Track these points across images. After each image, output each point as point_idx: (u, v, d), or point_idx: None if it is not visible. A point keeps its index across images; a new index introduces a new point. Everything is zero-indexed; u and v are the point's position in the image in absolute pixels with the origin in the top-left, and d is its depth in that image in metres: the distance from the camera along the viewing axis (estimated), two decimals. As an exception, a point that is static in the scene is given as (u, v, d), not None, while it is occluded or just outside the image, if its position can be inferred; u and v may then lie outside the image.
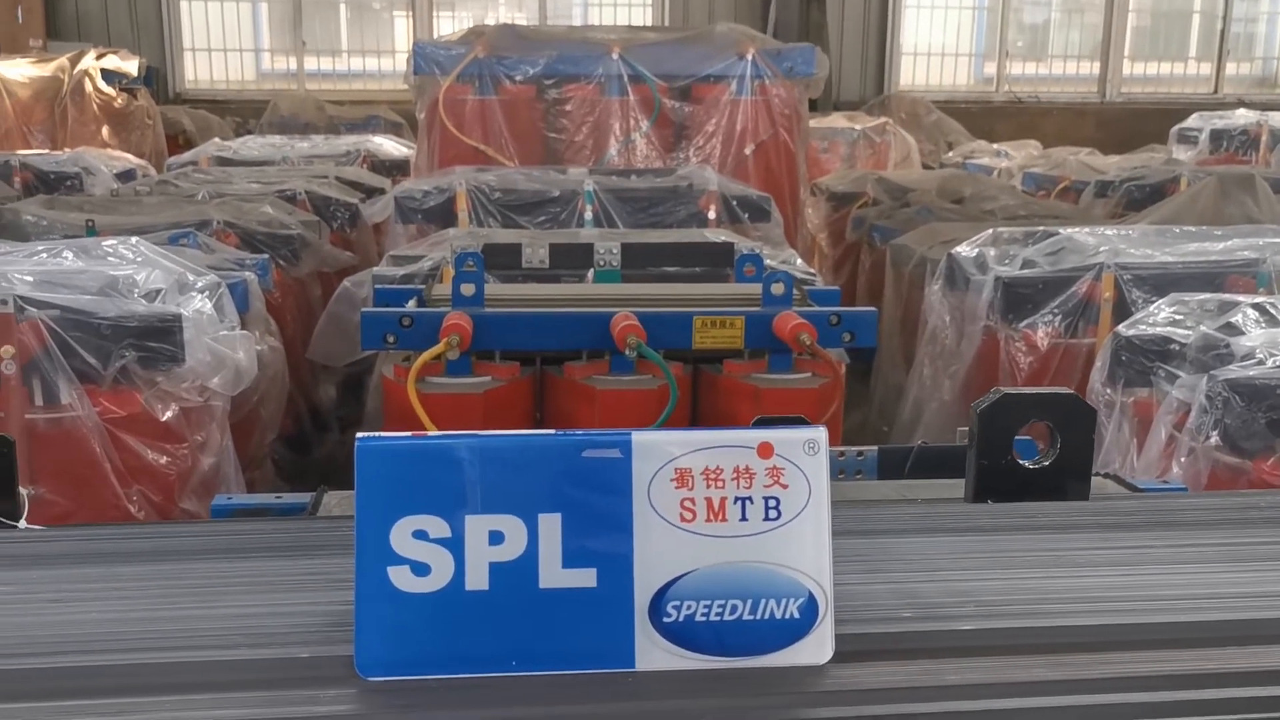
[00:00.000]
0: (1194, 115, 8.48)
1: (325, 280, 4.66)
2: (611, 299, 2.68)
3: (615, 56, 5.26)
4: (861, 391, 4.50)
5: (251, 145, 7.63)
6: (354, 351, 3.89)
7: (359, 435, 0.56)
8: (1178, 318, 2.67)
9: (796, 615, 0.55)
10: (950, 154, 8.68)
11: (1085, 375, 3.03)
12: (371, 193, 5.81)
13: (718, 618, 0.55)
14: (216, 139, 7.97)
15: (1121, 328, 2.68)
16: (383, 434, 0.55)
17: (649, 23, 11.00)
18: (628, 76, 5.25)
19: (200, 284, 2.66)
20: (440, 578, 0.54)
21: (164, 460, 2.44)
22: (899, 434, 3.83)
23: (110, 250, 2.79)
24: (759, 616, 0.55)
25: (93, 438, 2.33)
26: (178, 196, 5.03)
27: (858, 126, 8.22)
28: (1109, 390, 2.66)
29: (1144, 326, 2.66)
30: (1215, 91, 11.93)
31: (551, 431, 0.56)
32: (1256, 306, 2.59)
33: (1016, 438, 0.83)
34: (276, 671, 0.54)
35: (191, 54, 11.30)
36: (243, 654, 0.55)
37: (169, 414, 2.44)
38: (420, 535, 0.54)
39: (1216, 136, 7.89)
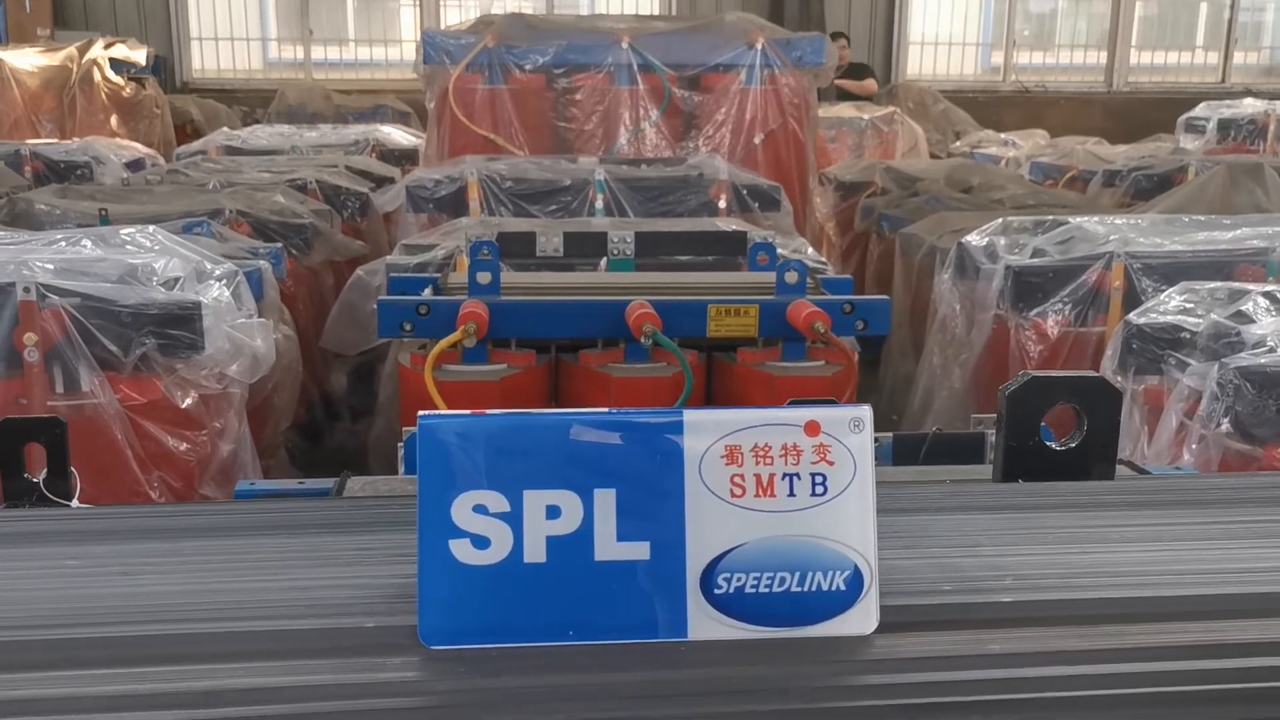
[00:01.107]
0: (1201, 104, 8.47)
1: (336, 269, 4.68)
2: (626, 287, 2.70)
3: (625, 46, 5.27)
4: (870, 381, 4.52)
5: (260, 135, 7.65)
6: (367, 340, 3.91)
7: (420, 414, 0.58)
8: (1188, 306, 2.68)
9: (842, 587, 0.58)
10: (958, 143, 8.69)
11: (1095, 364, 3.04)
12: (381, 182, 5.83)
13: (767, 589, 0.57)
14: (225, 128, 7.99)
15: (1132, 316, 2.70)
16: (444, 413, 0.57)
17: (656, 11, 10.99)
18: (637, 66, 5.26)
19: (218, 272, 2.68)
20: (499, 551, 0.57)
21: (184, 447, 2.47)
22: (909, 423, 3.85)
23: (128, 239, 2.81)
24: (806, 588, 0.57)
25: (114, 424, 2.36)
26: (189, 186, 5.06)
27: (866, 116, 8.22)
28: (1120, 378, 2.68)
29: (1154, 315, 2.67)
30: (1223, 81, 11.90)
31: (607, 410, 0.58)
32: (1267, 295, 2.60)
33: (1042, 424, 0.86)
34: (344, 640, 0.57)
35: (199, 43, 11.31)
36: (312, 624, 0.58)
37: (189, 401, 2.47)
38: (480, 510, 0.57)
39: (1224, 126, 7.88)
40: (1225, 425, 2.33)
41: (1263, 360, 2.32)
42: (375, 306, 3.75)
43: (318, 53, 11.52)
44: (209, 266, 2.71)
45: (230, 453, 2.60)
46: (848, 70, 9.72)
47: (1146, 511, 0.72)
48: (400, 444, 1.42)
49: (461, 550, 0.56)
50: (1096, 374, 0.85)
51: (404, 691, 0.53)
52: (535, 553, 0.57)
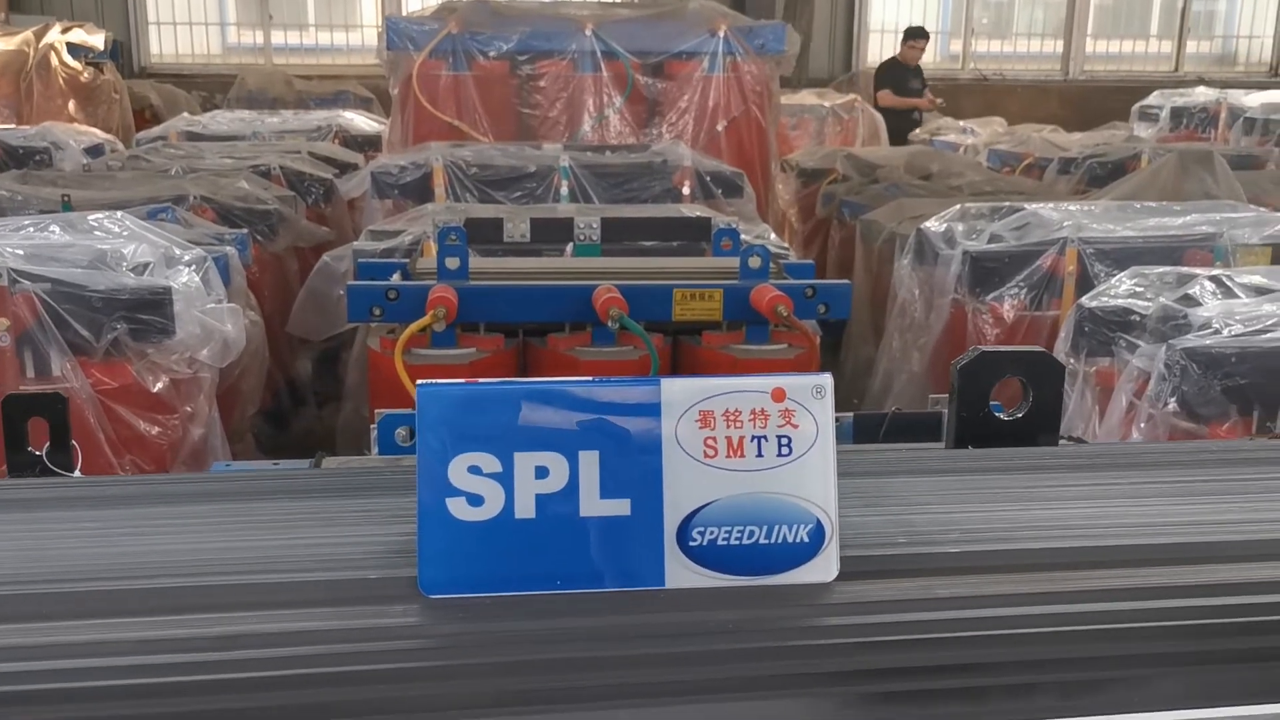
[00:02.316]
0: (1155, 93, 8.62)
1: (301, 256, 4.69)
2: (593, 272, 2.75)
3: (588, 33, 5.30)
4: (832, 364, 4.60)
5: (221, 120, 7.60)
6: (333, 326, 3.94)
7: (419, 382, 0.63)
8: (1138, 290, 2.75)
9: (806, 539, 0.63)
10: (917, 131, 8.78)
11: (1049, 346, 3.13)
12: (345, 168, 5.83)
13: (737, 542, 0.63)
14: (185, 114, 7.94)
15: (1084, 300, 2.77)
16: (441, 381, 0.62)
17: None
18: (601, 53, 5.29)
19: (187, 258, 2.70)
20: (492, 507, 0.62)
21: (155, 430, 2.49)
22: (869, 405, 3.93)
23: (96, 224, 2.82)
24: (773, 541, 0.63)
25: (86, 408, 2.38)
26: (151, 172, 5.04)
27: (827, 103, 8.30)
28: (1072, 360, 2.76)
29: (1106, 298, 2.75)
30: (1176, 69, 12.09)
31: (591, 379, 0.63)
32: (1213, 279, 2.68)
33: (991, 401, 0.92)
34: (350, 590, 0.61)
35: (156, 27, 11.21)
36: (319, 576, 0.62)
37: (160, 385, 2.49)
38: (474, 470, 0.61)
39: (1177, 114, 8.03)
40: (1172, 405, 2.41)
41: (1208, 342, 2.40)
42: (342, 292, 3.77)
43: (277, 38, 11.45)
44: (178, 252, 2.73)
45: (201, 437, 2.63)
46: (910, 72, 9.44)
47: (1083, 474, 0.78)
48: (373, 425, 1.46)
49: (458, 507, 0.61)
50: (1042, 349, 0.91)
51: (407, 635, 0.58)
52: (525, 509, 0.62)
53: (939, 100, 9.31)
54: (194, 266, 2.68)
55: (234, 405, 3.46)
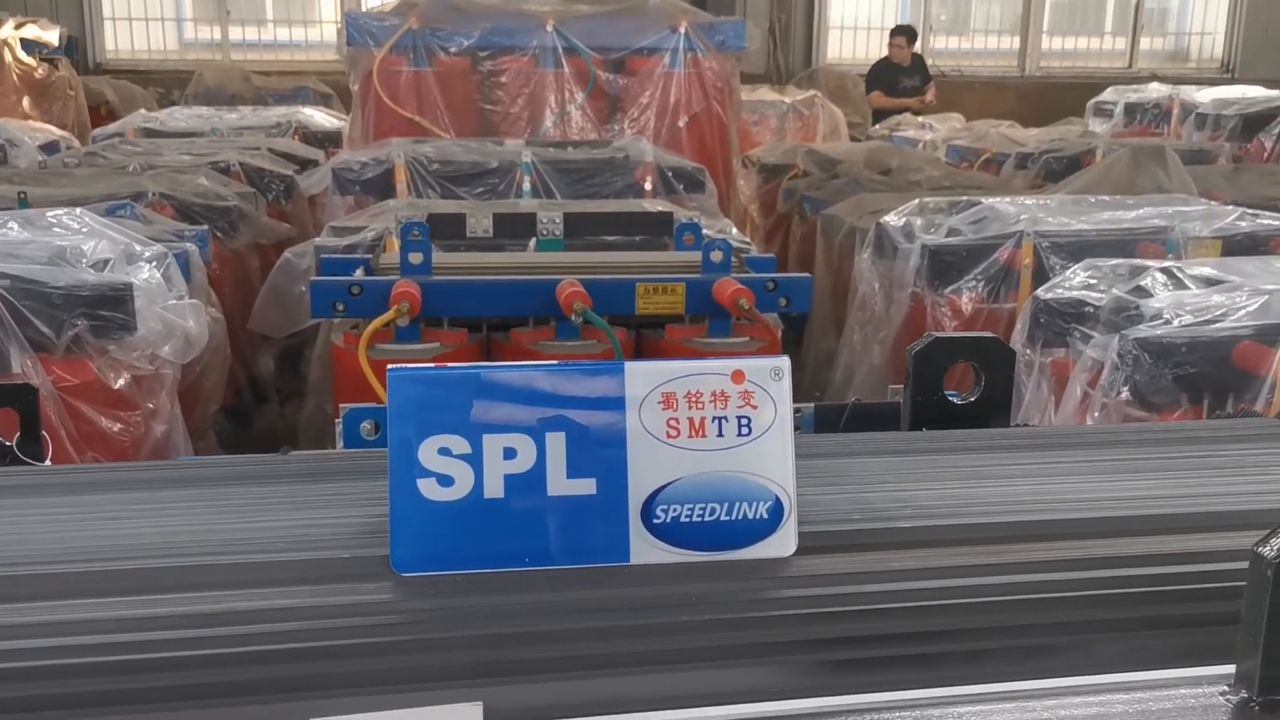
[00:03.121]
0: (1109, 89, 8.73)
1: (262, 252, 4.67)
2: (556, 267, 2.76)
3: (549, 29, 5.31)
4: (794, 358, 4.61)
5: (178, 117, 7.54)
6: (295, 322, 3.93)
7: (390, 366, 0.64)
8: (1092, 282, 2.80)
9: (765, 516, 0.66)
10: (876, 126, 8.85)
11: (1006, 338, 3.17)
12: (305, 165, 5.81)
13: (699, 518, 0.65)
14: (142, 110, 7.86)
15: (1040, 291, 2.82)
16: (411, 365, 0.64)
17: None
18: (562, 49, 5.30)
19: (148, 254, 2.69)
20: (462, 488, 0.64)
21: (117, 428, 2.48)
22: (831, 398, 3.97)
23: (55, 221, 2.80)
24: (734, 517, 0.65)
25: (47, 405, 2.36)
26: (109, 168, 5.00)
27: (787, 100, 8.35)
28: (1029, 351, 2.80)
29: (1061, 290, 2.79)
30: (1130, 66, 12.25)
31: (558, 363, 0.65)
32: (1165, 271, 2.74)
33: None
34: (323, 569, 0.63)
35: (112, 23, 11.08)
36: (294, 556, 0.64)
37: (121, 382, 2.48)
38: (444, 452, 0.63)
39: (1131, 110, 8.14)
40: (1125, 394, 2.46)
41: (1159, 332, 2.45)
42: (304, 289, 3.77)
43: (235, 33, 11.35)
44: (138, 248, 2.72)
45: (163, 433, 2.62)
46: (901, 71, 9.33)
47: (1031, 453, 0.81)
48: (338, 420, 1.47)
49: (428, 488, 0.63)
50: (993, 335, 0.94)
51: (380, 610, 0.60)
52: (494, 489, 0.64)
53: (928, 98, 9.29)
54: (155, 263, 2.67)
55: (196, 402, 3.44)
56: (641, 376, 0.65)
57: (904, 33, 9.70)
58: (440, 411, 0.64)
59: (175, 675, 0.56)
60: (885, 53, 9.90)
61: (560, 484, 0.64)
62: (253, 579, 0.62)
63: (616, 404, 0.65)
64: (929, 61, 10.61)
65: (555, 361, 0.70)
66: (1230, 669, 0.56)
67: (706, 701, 0.58)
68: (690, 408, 0.65)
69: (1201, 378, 2.39)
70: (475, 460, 0.64)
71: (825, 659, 0.61)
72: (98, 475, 0.76)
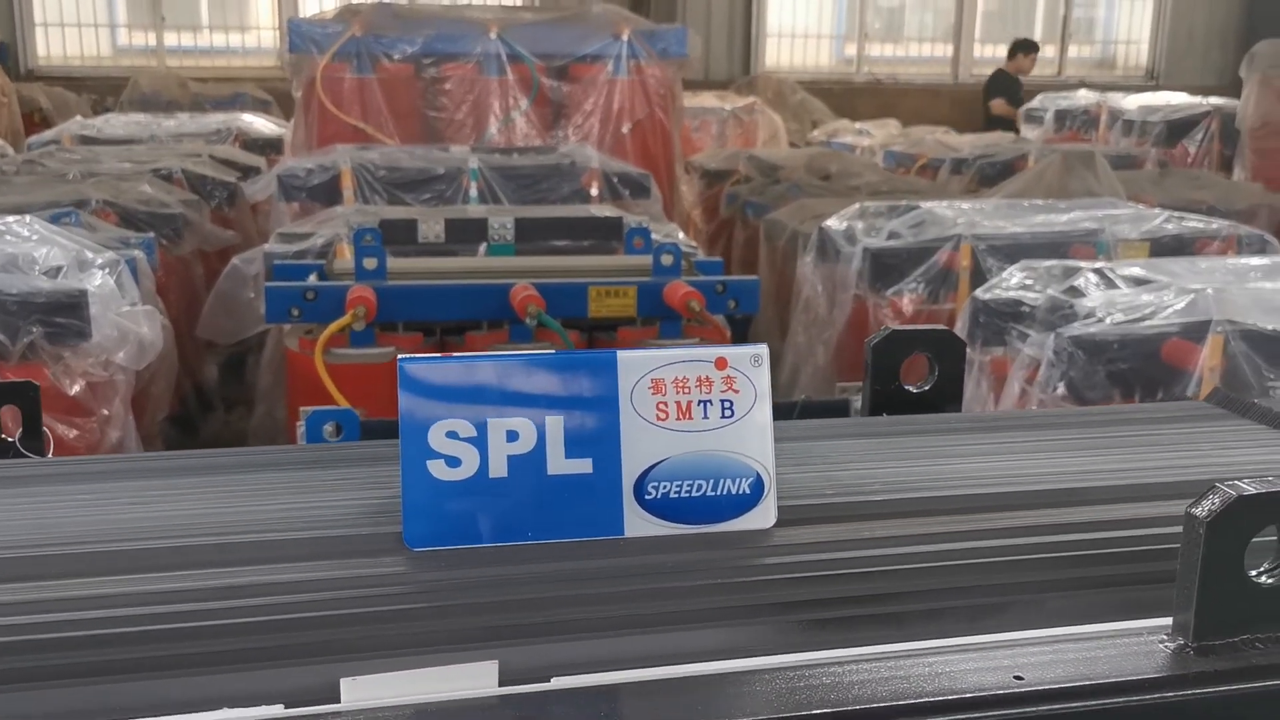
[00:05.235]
0: (1040, 95, 8.93)
1: (206, 259, 4.66)
2: (510, 271, 2.81)
3: (493, 36, 5.34)
4: (739, 360, 4.70)
5: (115, 123, 7.45)
6: (244, 329, 3.93)
7: (400, 357, 0.69)
8: (1028, 283, 2.90)
9: (747, 491, 0.71)
10: (815, 132, 8.99)
11: (946, 338, 3.27)
12: (247, 171, 5.78)
13: (687, 494, 0.71)
14: (78, 117, 7.76)
15: (978, 292, 2.91)
16: (420, 355, 0.69)
17: (521, 2, 11.04)
18: (506, 56, 5.34)
19: (100, 261, 2.70)
20: (469, 468, 0.69)
21: (73, 435, 2.48)
22: (777, 397, 4.04)
23: (4, 228, 2.79)
24: (719, 493, 0.71)
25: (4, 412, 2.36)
26: (49, 176, 4.94)
27: (727, 106, 8.45)
28: (969, 350, 2.90)
29: (998, 291, 2.89)
30: (1059, 73, 12.53)
31: (555, 352, 0.70)
32: (1096, 271, 2.84)
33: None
34: (340, 546, 0.68)
35: (44, 29, 10.89)
36: (311, 534, 0.69)
37: (76, 388, 2.49)
38: (452, 435, 0.68)
39: (1061, 116, 8.35)
40: (1061, 389, 2.55)
41: (1092, 330, 2.55)
42: (252, 295, 3.77)
43: (170, 39, 11.21)
44: (90, 255, 2.72)
45: (118, 439, 2.63)
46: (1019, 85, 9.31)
47: (984, 434, 0.88)
48: (299, 423, 1.51)
49: (437, 468, 0.68)
50: (946, 327, 1.01)
51: (395, 581, 0.65)
52: (498, 469, 0.69)
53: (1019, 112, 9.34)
54: (107, 270, 2.67)
55: (144, 410, 3.43)
56: (633, 364, 0.71)
57: (1034, 48, 9.78)
58: (447, 397, 0.69)
59: (207, 643, 0.60)
60: (821, 59, 9.99)
61: (559, 464, 0.70)
62: (274, 555, 0.66)
63: (610, 390, 0.70)
64: (865, 68, 10.77)
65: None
66: (1168, 621, 0.63)
67: (697, 658, 0.63)
68: (678, 392, 0.71)
69: (1132, 373, 2.49)
70: (480, 442, 0.69)
71: (805, 619, 0.67)
72: (108, 465, 0.80)
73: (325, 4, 10.59)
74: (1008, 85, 9.49)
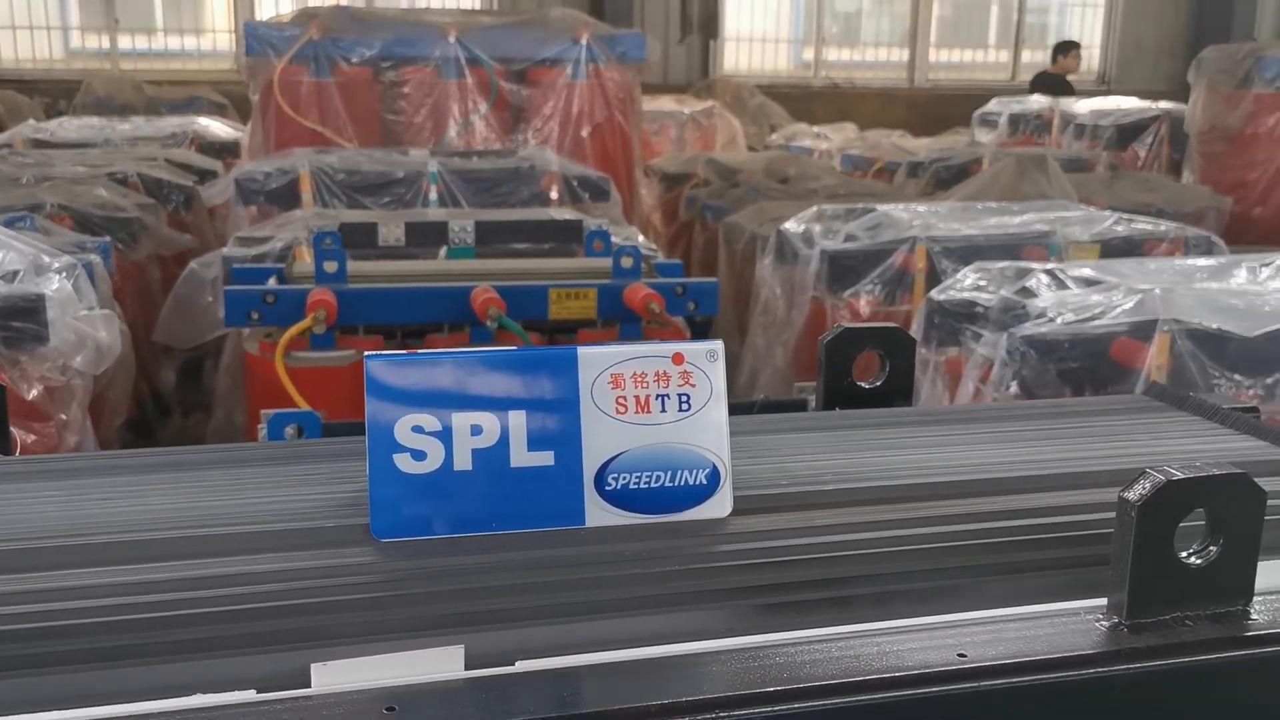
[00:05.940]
0: (994, 100, 9.04)
1: (163, 263, 4.62)
2: (470, 274, 2.82)
3: (452, 39, 5.35)
4: (698, 362, 4.73)
5: (69, 127, 7.37)
6: (202, 333, 3.91)
7: (367, 354, 0.71)
8: (981, 284, 2.95)
9: (704, 482, 0.74)
10: (773, 136, 9.04)
11: (902, 338, 3.31)
12: (204, 175, 5.74)
13: (646, 485, 0.73)
14: (31, 120, 7.67)
15: (934, 293, 2.96)
16: (386, 353, 0.71)
17: (479, 7, 11.02)
18: (464, 59, 5.34)
19: (57, 265, 2.68)
20: (434, 461, 0.71)
21: (31, 439, 2.47)
22: (737, 399, 4.08)
23: (-41, 232, 2.77)
24: (677, 483, 0.74)
25: (-43, 418, 2.34)
26: (1, 180, 4.89)
27: (686, 110, 8.49)
28: (924, 350, 2.94)
29: (953, 292, 2.93)
30: (1013, 78, 12.67)
31: (517, 348, 0.72)
32: (1048, 272, 2.90)
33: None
34: (308, 537, 0.70)
35: (-8, 31, 10.75)
36: (281, 526, 0.70)
37: (34, 393, 2.47)
38: (418, 429, 0.71)
39: (1014, 120, 8.45)
40: (1014, 388, 2.60)
41: (1044, 330, 2.60)
42: (211, 299, 3.75)
43: (124, 42, 11.09)
44: (47, 259, 2.71)
45: (76, 444, 2.61)
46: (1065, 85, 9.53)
47: (931, 427, 0.91)
48: (261, 426, 1.52)
49: (404, 462, 0.70)
50: (896, 325, 1.04)
51: (364, 571, 0.67)
52: (463, 462, 0.71)
53: None
54: (65, 274, 2.66)
55: (101, 416, 3.41)
56: (593, 360, 0.73)
57: (1074, 46, 10.03)
58: (413, 393, 0.71)
59: (180, 631, 0.62)
60: (779, 63, 10.05)
61: (522, 456, 0.72)
62: (245, 547, 0.68)
63: (571, 385, 0.73)
64: (822, 73, 10.84)
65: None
66: (1103, 601, 0.66)
67: (656, 641, 0.66)
68: (636, 387, 0.73)
69: (1083, 371, 2.55)
70: (445, 436, 0.71)
71: (760, 603, 0.69)
72: (78, 463, 0.81)
73: (282, 6, 10.54)
74: (1056, 85, 9.75)
